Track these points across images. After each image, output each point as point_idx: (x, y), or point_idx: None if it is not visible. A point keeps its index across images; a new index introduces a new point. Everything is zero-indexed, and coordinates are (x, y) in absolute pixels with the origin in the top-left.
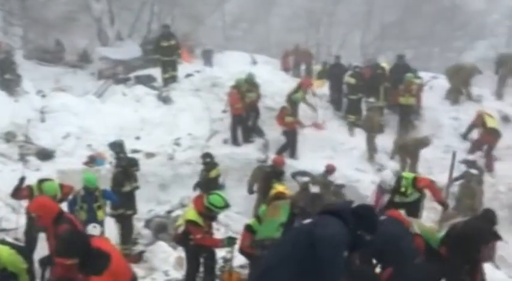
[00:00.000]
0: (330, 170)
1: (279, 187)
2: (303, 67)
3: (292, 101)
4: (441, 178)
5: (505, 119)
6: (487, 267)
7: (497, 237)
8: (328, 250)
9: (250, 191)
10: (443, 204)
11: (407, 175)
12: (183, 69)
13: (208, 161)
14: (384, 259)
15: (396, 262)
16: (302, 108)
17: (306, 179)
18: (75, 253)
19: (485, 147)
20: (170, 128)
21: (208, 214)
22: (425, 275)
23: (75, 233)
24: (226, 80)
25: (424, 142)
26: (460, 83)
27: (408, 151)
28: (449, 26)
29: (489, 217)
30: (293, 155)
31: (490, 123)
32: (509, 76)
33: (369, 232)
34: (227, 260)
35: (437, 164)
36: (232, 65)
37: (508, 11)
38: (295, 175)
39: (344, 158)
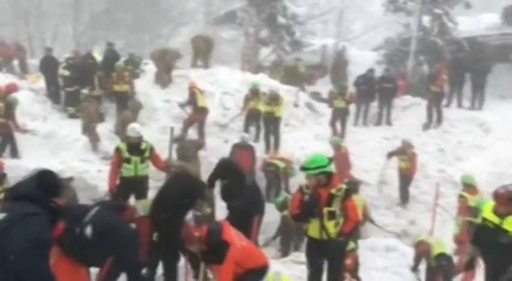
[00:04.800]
0: None
1: None
2: (15, 62)
3: (9, 103)
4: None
5: (210, 95)
6: None
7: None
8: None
9: None
10: (166, 169)
11: None
12: None
13: None
14: (104, 249)
15: (115, 250)
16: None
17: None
18: None
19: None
20: None
21: None
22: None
23: None
24: None
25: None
26: (165, 67)
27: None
28: (155, 13)
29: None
30: (15, 154)
31: (201, 102)
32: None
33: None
34: None
35: (157, 146)
36: None
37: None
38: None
39: (69, 150)
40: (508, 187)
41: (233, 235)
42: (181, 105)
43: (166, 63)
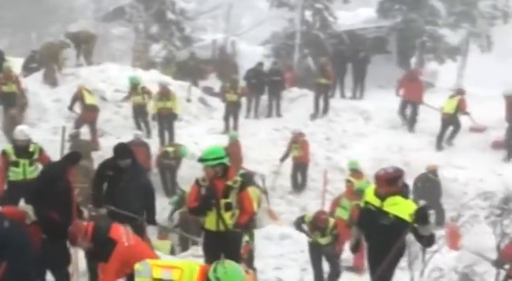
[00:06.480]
0: None
1: None
2: None
3: None
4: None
5: (102, 93)
6: None
7: None
8: None
9: None
10: None
11: None
12: None
13: None
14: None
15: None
16: None
17: None
18: None
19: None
20: None
21: None
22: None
23: None
24: None
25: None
26: (53, 62)
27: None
28: (42, 10)
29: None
30: None
31: (89, 100)
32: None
33: None
34: None
35: (49, 147)
36: None
37: None
38: None
39: None
40: (387, 169)
41: (121, 234)
42: (70, 108)
43: (55, 56)
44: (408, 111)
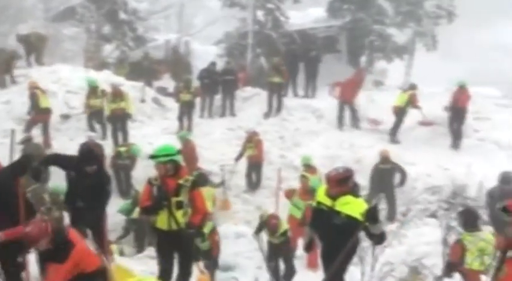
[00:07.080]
0: None
1: None
2: None
3: None
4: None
5: (53, 94)
6: None
7: None
8: None
9: None
10: None
11: None
12: None
13: None
14: None
15: None
16: None
17: None
18: None
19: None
20: None
21: None
22: None
23: None
24: None
25: None
26: (3, 68)
27: None
28: None
29: None
30: None
31: (43, 103)
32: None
33: None
34: None
35: None
36: None
37: None
38: None
39: None
40: (338, 169)
41: (77, 236)
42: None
43: (6, 63)
44: (347, 112)
